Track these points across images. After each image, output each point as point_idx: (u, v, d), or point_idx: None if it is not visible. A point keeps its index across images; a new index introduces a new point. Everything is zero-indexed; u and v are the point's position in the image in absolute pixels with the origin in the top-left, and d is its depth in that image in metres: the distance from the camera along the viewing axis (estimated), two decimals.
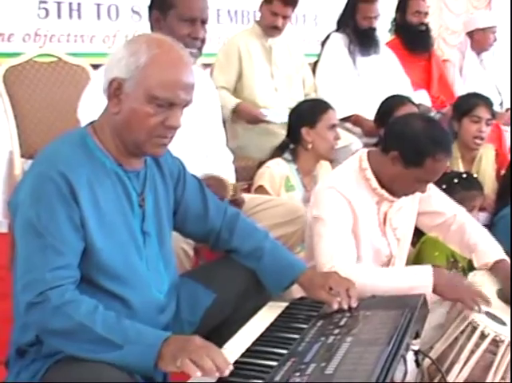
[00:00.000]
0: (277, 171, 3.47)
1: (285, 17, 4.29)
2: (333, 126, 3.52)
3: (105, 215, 1.85)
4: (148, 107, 1.82)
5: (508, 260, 2.70)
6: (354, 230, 2.59)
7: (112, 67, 1.84)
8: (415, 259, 3.22)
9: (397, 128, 2.61)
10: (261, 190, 3.43)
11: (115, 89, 1.83)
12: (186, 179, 2.15)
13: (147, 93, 1.81)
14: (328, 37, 4.86)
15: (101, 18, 4.93)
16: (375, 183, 2.62)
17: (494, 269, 2.66)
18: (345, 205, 2.55)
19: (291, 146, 3.59)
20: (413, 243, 3.25)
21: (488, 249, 2.72)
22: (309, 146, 3.49)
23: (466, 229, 2.80)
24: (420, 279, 2.37)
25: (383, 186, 2.63)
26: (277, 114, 4.10)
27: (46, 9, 4.66)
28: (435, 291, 2.37)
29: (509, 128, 5.19)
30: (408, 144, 2.49)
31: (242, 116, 4.14)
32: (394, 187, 2.62)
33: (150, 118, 1.82)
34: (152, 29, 2.76)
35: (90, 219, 1.81)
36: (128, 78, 1.81)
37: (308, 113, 3.55)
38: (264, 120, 4.09)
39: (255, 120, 4.12)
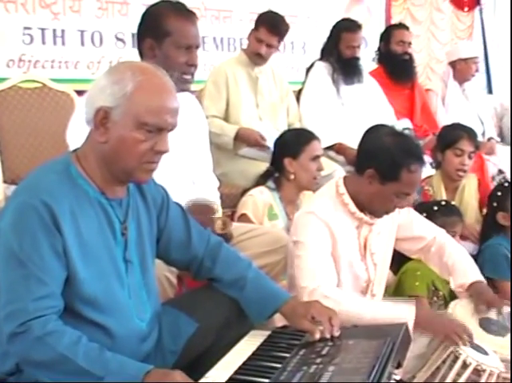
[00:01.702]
0: (261, 200, 3.48)
1: (270, 46, 4.32)
2: (316, 157, 3.52)
3: (87, 243, 1.86)
4: (138, 133, 1.83)
5: (485, 282, 2.73)
6: (333, 254, 2.60)
7: (95, 96, 1.85)
8: (396, 289, 3.24)
9: (369, 146, 2.63)
10: (244, 218, 3.44)
11: (101, 119, 1.84)
12: (169, 207, 2.16)
13: (137, 120, 1.82)
14: (312, 65, 4.91)
15: (85, 45, 4.97)
16: (353, 208, 2.64)
17: (470, 290, 2.70)
18: (324, 229, 2.57)
19: (275, 174, 3.60)
20: (394, 272, 3.28)
21: (465, 270, 2.77)
22: (292, 177, 3.50)
23: (446, 250, 2.85)
24: (402, 315, 2.37)
25: (362, 209, 2.65)
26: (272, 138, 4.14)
27: (31, 35, 4.69)
28: (417, 327, 2.38)
29: (491, 158, 5.26)
30: (382, 159, 2.52)
31: (244, 141, 4.18)
32: (374, 207, 2.64)
33: (139, 144, 1.84)
34: (142, 57, 2.74)
35: (72, 248, 1.81)
36: (114, 106, 1.82)
37: (291, 144, 3.56)
38: (264, 146, 4.11)
39: (256, 144, 4.15)
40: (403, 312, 2.39)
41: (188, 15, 2.77)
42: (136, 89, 1.83)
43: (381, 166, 2.52)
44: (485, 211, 3.87)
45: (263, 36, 4.27)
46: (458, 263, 2.79)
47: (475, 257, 3.07)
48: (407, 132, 2.70)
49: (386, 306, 2.49)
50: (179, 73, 2.70)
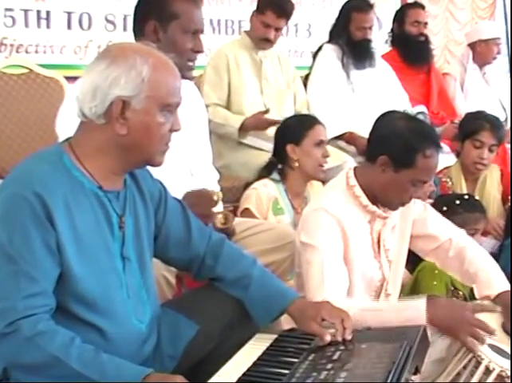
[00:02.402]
0: (265, 193, 3.48)
1: (278, 30, 4.34)
2: (321, 142, 3.53)
3: (83, 238, 1.86)
4: (160, 117, 1.89)
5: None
6: (345, 254, 2.60)
7: (107, 88, 1.83)
8: (413, 288, 3.23)
9: (381, 132, 2.63)
10: (247, 213, 3.44)
11: (120, 109, 1.85)
12: (167, 202, 2.17)
13: (161, 103, 1.88)
14: (319, 48, 4.91)
15: (72, 28, 4.95)
16: (365, 200, 2.64)
17: (496, 301, 2.64)
18: (335, 227, 2.56)
19: (279, 165, 3.61)
20: (411, 270, 3.28)
21: (490, 280, 2.70)
22: (296, 164, 3.51)
23: (466, 256, 2.79)
24: (412, 315, 2.35)
25: (374, 202, 2.65)
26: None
27: (13, 18, 4.66)
28: (432, 324, 2.35)
29: None
30: (396, 145, 2.52)
31: (252, 128, 4.19)
32: (389, 198, 2.63)
33: (162, 127, 1.90)
34: (140, 39, 2.72)
35: (67, 244, 1.82)
36: (134, 95, 1.84)
37: (293, 129, 3.57)
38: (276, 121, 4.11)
39: (267, 125, 4.16)
40: (412, 314, 2.35)
41: None
42: (153, 72, 1.86)
43: (395, 152, 2.52)
44: (509, 204, 3.86)
45: (270, 20, 4.28)
46: (482, 272, 2.73)
47: (497, 254, 3.04)
48: (421, 116, 2.68)
49: (393, 311, 2.44)
50: (185, 60, 2.73)
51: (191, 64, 2.77)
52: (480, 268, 2.75)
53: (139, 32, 2.76)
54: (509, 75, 7.31)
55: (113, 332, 1.91)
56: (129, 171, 2.01)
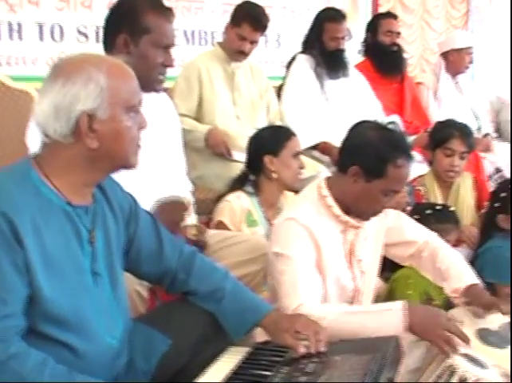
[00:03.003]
0: (238, 206, 3.48)
1: (253, 42, 4.35)
2: (297, 154, 3.55)
3: (52, 257, 1.84)
4: (127, 120, 1.88)
5: (481, 284, 2.74)
6: (318, 264, 2.59)
7: (68, 106, 1.82)
8: (387, 298, 3.24)
9: (352, 143, 2.63)
10: (221, 226, 3.43)
11: (88, 124, 1.83)
12: (138, 216, 2.15)
13: (125, 106, 1.87)
14: (293, 58, 4.92)
15: (44, 39, 4.92)
16: (337, 211, 2.64)
17: (465, 294, 2.69)
18: (307, 237, 2.56)
19: (252, 177, 3.60)
20: (385, 279, 3.29)
21: (459, 274, 2.76)
22: (274, 175, 3.51)
23: (438, 255, 2.84)
24: (391, 317, 2.38)
25: (346, 212, 2.65)
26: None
27: None
28: (407, 330, 2.37)
29: (487, 155, 5.28)
30: (367, 155, 2.52)
31: (211, 141, 4.18)
32: (361, 208, 2.63)
33: (131, 129, 1.90)
34: (111, 51, 2.70)
35: (36, 263, 1.79)
36: (98, 105, 1.83)
37: (270, 141, 3.56)
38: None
39: (221, 153, 4.17)
40: (390, 317, 2.38)
41: (167, 13, 2.79)
42: (110, 79, 1.85)
43: (366, 162, 2.52)
44: (483, 211, 3.88)
45: (246, 33, 4.28)
46: (452, 268, 2.78)
47: (471, 262, 3.05)
48: (392, 126, 2.69)
49: (371, 313, 2.46)
50: (156, 74, 2.75)
51: (161, 77, 2.79)
52: (452, 266, 2.80)
53: (109, 44, 2.75)
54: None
55: (85, 349, 1.89)
56: (98, 185, 2.00)
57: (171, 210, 2.61)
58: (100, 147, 1.85)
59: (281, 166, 3.51)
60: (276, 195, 3.57)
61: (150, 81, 2.74)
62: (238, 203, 3.49)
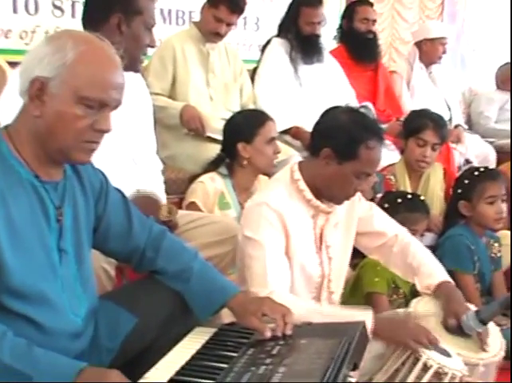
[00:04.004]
0: (212, 187, 3.46)
1: (230, 25, 4.32)
2: (272, 139, 3.52)
3: (18, 230, 1.81)
4: (76, 108, 1.80)
5: (452, 282, 2.75)
6: (286, 248, 2.60)
7: (32, 66, 1.81)
8: (354, 285, 3.26)
9: (324, 125, 2.63)
10: (193, 206, 3.42)
11: (37, 90, 1.80)
12: (108, 193, 2.13)
13: (76, 93, 1.80)
14: (268, 42, 4.90)
15: (18, 12, 4.83)
16: (309, 195, 2.64)
17: (437, 291, 2.70)
18: (277, 222, 2.55)
19: (227, 160, 3.59)
20: (354, 266, 3.29)
21: (431, 271, 2.76)
22: (245, 163, 3.49)
23: (409, 251, 2.83)
24: None
25: (318, 197, 2.65)
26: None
27: None
28: (375, 335, 2.37)
29: (457, 146, 5.31)
30: (338, 137, 2.52)
31: (186, 118, 4.15)
32: (333, 191, 2.63)
33: (78, 121, 1.81)
34: (96, 30, 2.64)
35: (1, 235, 1.77)
36: (52, 77, 1.79)
37: (244, 127, 3.53)
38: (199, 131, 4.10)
39: (196, 128, 4.13)
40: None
41: None
42: (77, 59, 1.80)
43: (338, 144, 2.52)
44: None
45: (223, 15, 4.25)
46: (424, 264, 2.78)
47: (434, 248, 3.07)
48: (363, 110, 2.70)
49: (340, 317, 2.42)
50: (141, 54, 2.78)
51: (143, 57, 2.81)
52: (423, 262, 2.80)
53: (97, 23, 2.70)
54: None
55: (48, 325, 1.87)
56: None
57: (146, 204, 2.59)
58: (41, 119, 1.81)
59: (255, 153, 3.49)
60: (249, 179, 3.56)
61: (136, 61, 2.78)
62: (212, 185, 3.47)
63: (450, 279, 2.76)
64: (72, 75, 1.79)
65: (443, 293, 2.68)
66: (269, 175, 3.55)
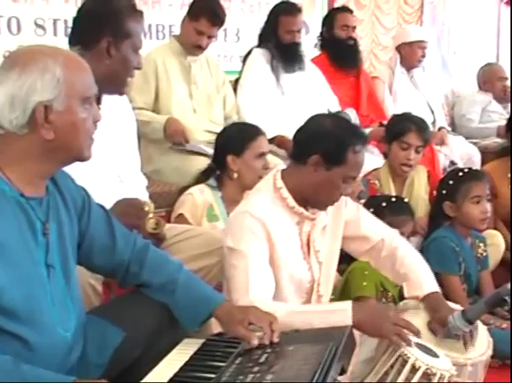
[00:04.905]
0: (201, 199, 3.45)
1: (211, 37, 4.34)
2: (262, 154, 3.50)
3: (5, 246, 1.82)
4: (82, 112, 1.88)
5: (440, 292, 2.75)
6: (271, 256, 2.60)
7: (24, 97, 1.81)
8: (343, 289, 3.25)
9: (309, 132, 2.64)
10: (181, 219, 3.41)
11: (44, 115, 1.82)
12: (91, 209, 2.14)
13: (81, 98, 1.87)
14: (249, 52, 4.92)
15: (1, 32, 4.85)
16: (292, 202, 2.64)
17: (424, 301, 2.70)
18: (260, 231, 2.56)
19: (217, 172, 3.57)
20: (341, 272, 3.30)
21: (419, 280, 2.74)
22: (235, 175, 3.48)
23: (398, 256, 2.83)
24: (338, 318, 2.37)
25: (301, 203, 2.66)
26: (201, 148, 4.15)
27: None
28: (356, 328, 2.39)
29: (442, 148, 5.34)
30: (326, 143, 2.54)
31: (169, 131, 4.15)
32: (320, 197, 2.64)
33: (86, 122, 1.90)
34: (86, 53, 2.60)
35: None
36: (54, 97, 1.83)
37: (235, 140, 3.52)
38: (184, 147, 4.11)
39: (179, 142, 4.14)
40: (338, 316, 2.39)
41: (141, 16, 2.81)
42: (65, 71, 1.85)
43: (326, 150, 2.54)
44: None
45: (204, 28, 4.27)
46: (412, 273, 2.77)
47: (419, 251, 3.08)
48: (343, 114, 2.73)
49: (319, 313, 2.47)
50: (128, 77, 2.79)
51: (129, 80, 2.83)
52: (410, 269, 2.79)
53: (86, 46, 2.70)
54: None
55: (37, 342, 1.87)
56: (51, 178, 1.98)
57: (131, 212, 2.59)
58: (55, 138, 1.84)
59: (244, 166, 3.47)
60: (238, 192, 3.51)
61: (124, 85, 2.81)
62: (201, 197, 3.46)
63: (437, 289, 2.75)
64: (71, 86, 1.85)
65: (430, 305, 2.68)
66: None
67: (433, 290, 2.73)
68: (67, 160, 1.95)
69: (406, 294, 2.77)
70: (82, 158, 1.95)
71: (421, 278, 2.76)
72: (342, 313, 2.39)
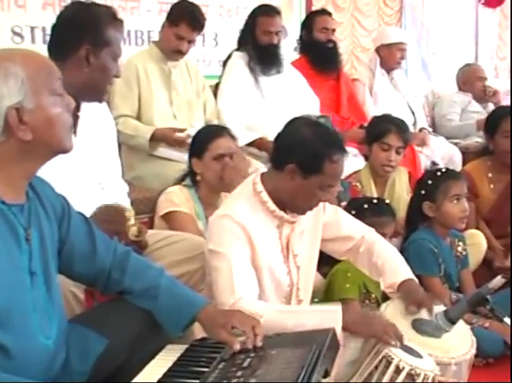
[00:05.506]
0: (183, 197, 3.46)
1: (191, 42, 4.34)
2: (220, 156, 3.46)
3: None
4: (54, 105, 1.89)
5: (416, 279, 2.77)
6: (253, 260, 2.60)
7: None
8: (326, 292, 3.27)
9: (287, 141, 2.63)
10: (172, 216, 3.41)
11: (18, 118, 1.82)
12: (70, 217, 2.13)
13: (48, 90, 1.88)
14: (229, 56, 4.92)
15: None
16: (272, 206, 2.65)
17: (400, 289, 2.71)
18: (241, 234, 2.56)
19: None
20: (324, 274, 3.31)
21: (394, 269, 2.77)
22: (198, 178, 3.49)
23: (375, 250, 2.85)
24: (329, 319, 2.39)
25: (281, 207, 2.66)
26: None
27: None
28: (346, 329, 2.40)
29: (423, 149, 5.35)
30: (303, 153, 2.53)
31: (161, 141, 4.16)
32: (298, 203, 2.65)
33: (61, 113, 1.92)
34: (64, 61, 2.63)
35: None
36: (22, 98, 1.83)
37: (197, 142, 3.56)
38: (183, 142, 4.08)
39: (175, 143, 4.13)
40: (329, 316, 2.41)
41: (121, 24, 2.81)
42: (27, 69, 1.85)
43: (302, 160, 2.53)
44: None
45: (184, 33, 4.27)
46: (388, 263, 2.79)
47: (401, 252, 3.09)
48: (322, 120, 2.72)
49: (310, 312, 2.50)
50: (108, 85, 2.81)
51: (108, 87, 2.84)
52: (387, 260, 2.81)
53: (65, 54, 2.71)
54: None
55: (18, 349, 1.86)
56: (30, 185, 1.98)
57: (113, 219, 2.59)
58: (34, 138, 1.85)
59: (205, 169, 3.47)
60: (210, 195, 3.52)
61: (103, 92, 2.82)
62: (182, 195, 3.47)
63: (413, 277, 2.77)
64: (36, 82, 1.85)
65: (406, 290, 2.69)
66: (222, 191, 3.52)
67: (409, 277, 2.75)
68: (49, 155, 1.95)
69: (383, 286, 2.79)
70: (64, 150, 1.96)
71: (397, 268, 2.79)
72: (332, 313, 2.41)
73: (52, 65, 1.95)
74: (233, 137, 3.58)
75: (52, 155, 1.96)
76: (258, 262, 2.62)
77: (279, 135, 2.69)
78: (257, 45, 4.79)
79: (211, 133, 3.58)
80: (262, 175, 2.71)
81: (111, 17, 2.75)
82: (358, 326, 2.44)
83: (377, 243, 2.88)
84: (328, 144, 2.55)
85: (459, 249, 3.69)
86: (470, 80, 6.45)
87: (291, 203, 2.66)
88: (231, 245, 2.54)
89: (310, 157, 2.53)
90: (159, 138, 4.17)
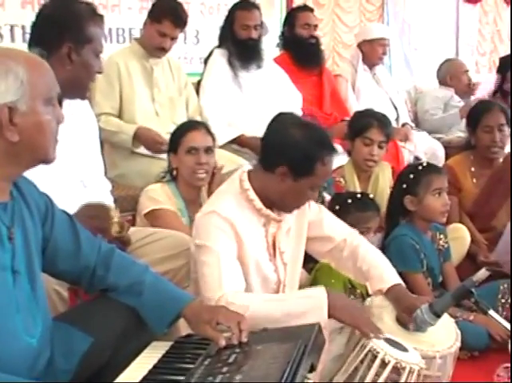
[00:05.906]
0: (164, 195, 3.46)
1: (174, 39, 4.33)
2: (192, 149, 3.48)
3: None
4: (46, 113, 1.88)
5: (403, 284, 2.78)
6: (240, 257, 2.60)
7: None
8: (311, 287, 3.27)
9: (277, 142, 2.60)
10: (156, 213, 3.42)
11: (8, 117, 1.81)
12: (54, 215, 2.12)
13: (44, 99, 1.87)
14: (210, 53, 4.92)
15: None
16: (259, 204, 2.64)
17: (388, 295, 2.71)
18: (228, 230, 2.55)
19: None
20: (309, 270, 3.31)
21: (382, 275, 2.76)
22: (174, 173, 3.52)
23: (359, 254, 2.84)
24: (315, 302, 2.42)
25: (268, 205, 2.66)
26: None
27: None
28: (330, 315, 2.41)
29: (406, 144, 5.37)
30: (294, 155, 2.52)
31: (141, 142, 4.14)
32: (287, 203, 2.66)
33: (51, 123, 1.90)
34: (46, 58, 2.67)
35: None
36: (18, 98, 1.82)
37: (172, 138, 3.58)
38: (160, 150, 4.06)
39: (154, 146, 4.10)
40: (316, 298, 2.44)
41: (102, 20, 2.81)
42: (29, 72, 1.84)
43: (294, 162, 2.53)
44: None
45: (167, 29, 4.25)
46: (373, 268, 2.78)
47: (381, 250, 3.09)
48: (310, 119, 2.72)
49: (297, 300, 2.49)
50: (90, 82, 2.82)
51: (91, 84, 2.86)
52: (372, 265, 2.80)
53: (47, 51, 2.67)
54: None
55: (1, 348, 1.84)
56: (14, 184, 1.97)
57: (98, 216, 2.58)
58: (20, 140, 1.84)
59: (179, 163, 3.51)
60: (190, 190, 3.54)
61: (86, 89, 2.83)
62: (164, 192, 3.48)
63: (400, 281, 2.77)
64: (34, 87, 1.85)
65: (394, 297, 2.70)
66: (196, 186, 3.54)
67: (396, 283, 2.75)
68: (32, 163, 1.94)
69: (370, 290, 2.79)
70: (47, 160, 1.94)
71: (383, 272, 2.78)
72: (318, 299, 2.43)
73: (53, 76, 1.94)
74: (210, 132, 3.59)
75: (35, 162, 1.94)
76: (245, 258, 2.62)
77: (266, 134, 2.67)
78: (236, 40, 4.79)
79: (184, 127, 3.61)
80: (249, 172, 2.70)
81: (91, 13, 2.75)
82: (342, 313, 2.45)
83: (361, 247, 2.87)
84: (320, 147, 2.54)
85: (441, 242, 3.71)
86: (455, 74, 6.47)
87: (280, 203, 2.66)
88: (219, 240, 2.54)
89: (302, 160, 2.52)
90: (140, 138, 4.14)
